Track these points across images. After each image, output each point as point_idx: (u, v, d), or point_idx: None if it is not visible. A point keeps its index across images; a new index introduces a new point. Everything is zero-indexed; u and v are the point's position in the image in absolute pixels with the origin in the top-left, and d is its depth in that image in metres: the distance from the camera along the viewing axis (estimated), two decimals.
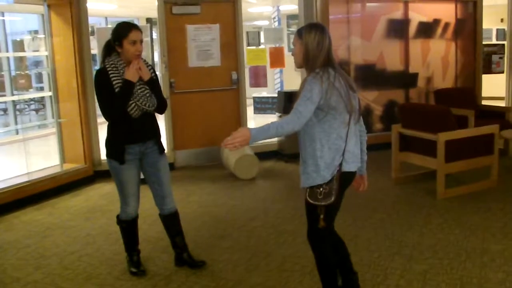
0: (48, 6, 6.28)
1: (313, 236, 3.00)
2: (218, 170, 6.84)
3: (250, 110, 9.96)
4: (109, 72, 3.45)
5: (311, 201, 2.84)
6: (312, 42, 2.80)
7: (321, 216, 2.84)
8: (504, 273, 3.58)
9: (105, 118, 3.55)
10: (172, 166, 6.18)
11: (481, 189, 5.52)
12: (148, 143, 3.64)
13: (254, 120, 11.03)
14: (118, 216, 3.83)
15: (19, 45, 9.81)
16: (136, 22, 12.07)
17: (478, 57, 8.44)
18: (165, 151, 3.81)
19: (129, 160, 3.58)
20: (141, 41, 3.50)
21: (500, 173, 5.68)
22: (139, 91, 3.49)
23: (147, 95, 3.53)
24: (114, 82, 3.43)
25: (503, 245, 4.07)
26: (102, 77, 3.47)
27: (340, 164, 2.83)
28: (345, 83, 2.82)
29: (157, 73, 3.86)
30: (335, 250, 3.09)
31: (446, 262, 3.79)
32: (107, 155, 3.62)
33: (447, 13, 8.29)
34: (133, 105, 3.46)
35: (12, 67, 9.83)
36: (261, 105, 12.22)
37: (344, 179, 2.88)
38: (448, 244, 4.12)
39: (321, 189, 2.80)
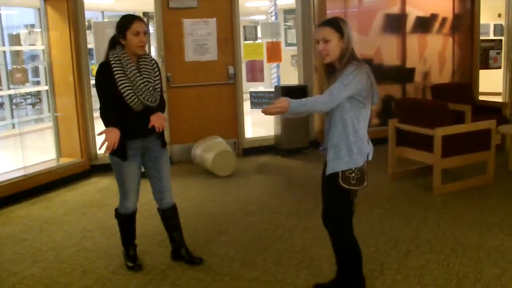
0: (44, 0, 6.25)
1: (337, 224, 3.03)
2: None
3: (247, 104, 9.95)
4: (112, 66, 3.40)
5: (345, 186, 2.88)
6: (351, 35, 2.85)
7: (354, 201, 2.96)
8: (500, 268, 3.59)
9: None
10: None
11: (478, 185, 5.53)
12: (150, 138, 3.62)
13: (250, 115, 11.01)
14: (116, 210, 3.82)
15: (15, 39, 9.76)
16: None
17: (475, 52, 8.43)
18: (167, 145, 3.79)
19: (131, 156, 3.55)
20: (145, 33, 3.46)
21: (496, 168, 5.68)
22: (142, 85, 3.45)
23: (150, 89, 3.50)
24: (116, 76, 3.39)
25: (499, 240, 4.08)
26: (103, 71, 3.43)
27: (368, 153, 2.95)
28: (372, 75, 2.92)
29: None
30: None
31: (443, 257, 3.80)
32: None
33: (445, 8, 8.28)
34: (135, 99, 3.43)
35: (9, 61, 9.79)
36: (258, 100, 12.21)
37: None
38: (444, 239, 4.13)
39: (353, 174, 2.86)
